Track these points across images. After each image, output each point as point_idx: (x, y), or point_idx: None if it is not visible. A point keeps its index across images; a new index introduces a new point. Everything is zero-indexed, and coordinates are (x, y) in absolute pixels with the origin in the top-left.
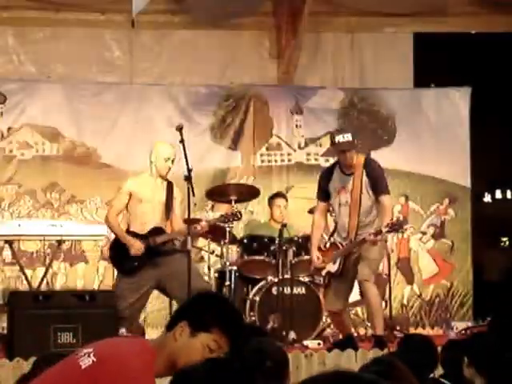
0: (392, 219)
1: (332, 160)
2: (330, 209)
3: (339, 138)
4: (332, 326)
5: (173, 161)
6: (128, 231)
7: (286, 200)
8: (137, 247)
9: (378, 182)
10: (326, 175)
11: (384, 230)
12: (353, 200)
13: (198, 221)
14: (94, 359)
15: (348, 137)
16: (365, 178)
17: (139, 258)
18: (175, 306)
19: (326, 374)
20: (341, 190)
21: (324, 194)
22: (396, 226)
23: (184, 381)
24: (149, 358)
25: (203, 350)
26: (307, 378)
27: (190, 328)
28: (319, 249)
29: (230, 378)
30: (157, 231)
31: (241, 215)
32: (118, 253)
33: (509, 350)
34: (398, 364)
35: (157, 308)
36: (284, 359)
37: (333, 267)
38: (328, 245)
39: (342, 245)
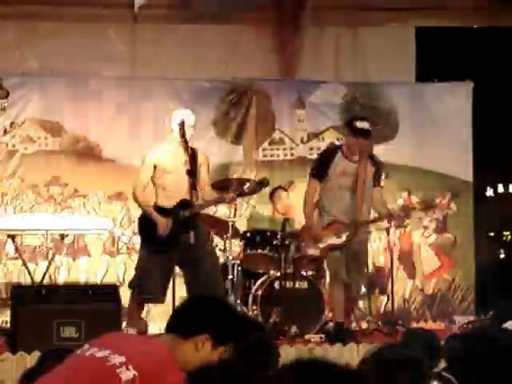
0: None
1: None
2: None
3: (362, 125)
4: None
5: (193, 126)
6: (156, 206)
7: (287, 192)
8: (163, 225)
9: (380, 173)
10: (328, 157)
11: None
12: (359, 185)
13: (227, 188)
14: (136, 373)
15: (367, 125)
16: (370, 167)
17: (169, 237)
18: (176, 303)
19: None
20: (341, 174)
21: (321, 174)
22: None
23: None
24: (179, 368)
25: (217, 359)
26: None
27: (213, 342)
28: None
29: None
30: (184, 204)
31: (268, 183)
32: (147, 229)
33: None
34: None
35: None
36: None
37: (336, 240)
38: (327, 222)
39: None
